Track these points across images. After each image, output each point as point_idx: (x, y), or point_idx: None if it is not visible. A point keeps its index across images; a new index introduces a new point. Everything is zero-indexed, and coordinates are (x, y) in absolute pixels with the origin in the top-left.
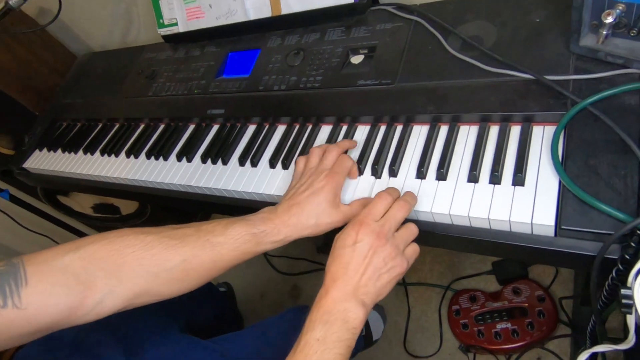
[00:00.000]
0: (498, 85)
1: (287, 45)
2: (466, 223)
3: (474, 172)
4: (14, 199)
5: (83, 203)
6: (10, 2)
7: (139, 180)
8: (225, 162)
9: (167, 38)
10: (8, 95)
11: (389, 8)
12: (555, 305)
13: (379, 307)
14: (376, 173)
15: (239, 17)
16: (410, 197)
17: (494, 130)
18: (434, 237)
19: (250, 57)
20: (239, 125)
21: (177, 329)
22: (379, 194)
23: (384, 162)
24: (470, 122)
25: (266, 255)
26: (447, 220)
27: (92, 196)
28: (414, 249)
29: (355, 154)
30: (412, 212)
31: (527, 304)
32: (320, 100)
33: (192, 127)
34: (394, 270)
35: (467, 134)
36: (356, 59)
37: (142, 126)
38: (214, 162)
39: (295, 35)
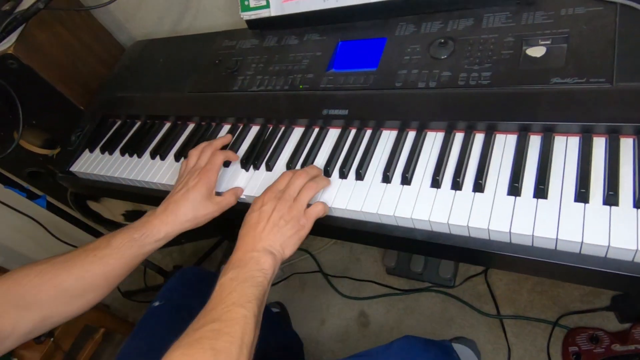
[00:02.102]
0: None
1: (427, 34)
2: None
3: None
4: (50, 207)
5: (114, 210)
6: None
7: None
8: (361, 177)
9: (252, 23)
10: (51, 85)
11: None
12: None
13: (470, 342)
14: (616, 201)
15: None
16: (321, 179)
17: None
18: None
19: (373, 48)
20: (368, 130)
21: None
22: (283, 173)
23: (618, 187)
24: None
25: (326, 275)
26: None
27: (125, 202)
28: (316, 207)
29: (563, 173)
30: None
31: None
32: (494, 102)
33: (298, 130)
34: (294, 225)
35: None
36: (535, 51)
37: (226, 127)
38: (344, 176)
39: (437, 22)
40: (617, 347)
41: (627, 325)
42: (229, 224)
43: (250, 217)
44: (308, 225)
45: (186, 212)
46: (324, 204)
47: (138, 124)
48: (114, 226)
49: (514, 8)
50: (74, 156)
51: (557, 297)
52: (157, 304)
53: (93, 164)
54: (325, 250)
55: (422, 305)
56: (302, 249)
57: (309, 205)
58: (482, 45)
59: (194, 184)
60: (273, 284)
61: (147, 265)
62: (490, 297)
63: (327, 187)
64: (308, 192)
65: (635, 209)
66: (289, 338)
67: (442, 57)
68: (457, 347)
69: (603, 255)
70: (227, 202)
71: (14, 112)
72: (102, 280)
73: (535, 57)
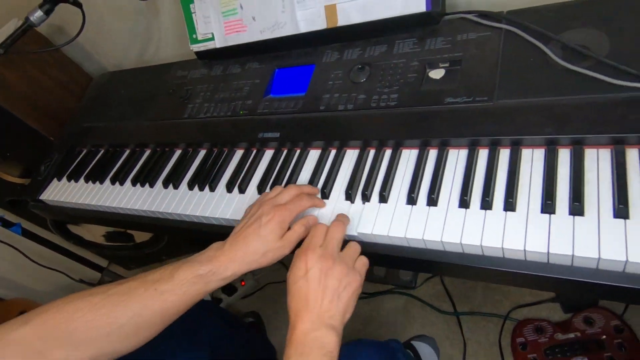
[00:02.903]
0: (635, 101)
1: (348, 60)
2: (619, 268)
3: (622, 207)
4: (25, 233)
5: (94, 231)
6: (31, 19)
7: (182, 214)
8: None
9: (200, 54)
10: (20, 120)
11: (470, 16)
12: (635, 336)
13: (429, 340)
14: (488, 206)
15: (288, 30)
16: (342, 216)
17: (633, 155)
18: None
19: (303, 74)
20: (297, 150)
21: None
22: (315, 225)
23: (492, 192)
24: (597, 144)
25: None
26: (592, 265)
27: None
28: (362, 262)
29: (452, 182)
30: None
31: (604, 336)
32: (399, 121)
33: (239, 152)
34: (351, 287)
35: (597, 159)
36: (436, 74)
37: (178, 152)
38: None
39: (357, 49)
40: (559, 336)
41: (569, 315)
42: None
43: (298, 287)
44: (362, 282)
45: (256, 250)
46: (365, 257)
47: (101, 152)
48: (97, 248)
49: (420, 34)
50: (43, 185)
51: (509, 292)
52: None
53: (60, 192)
54: None
55: (387, 307)
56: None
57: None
58: (393, 69)
59: (267, 220)
60: (248, 295)
61: None
62: (447, 296)
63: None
64: (354, 249)
65: (504, 212)
66: (262, 347)
67: (360, 81)
68: (417, 344)
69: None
70: (297, 236)
71: None
72: (160, 319)
73: (435, 79)
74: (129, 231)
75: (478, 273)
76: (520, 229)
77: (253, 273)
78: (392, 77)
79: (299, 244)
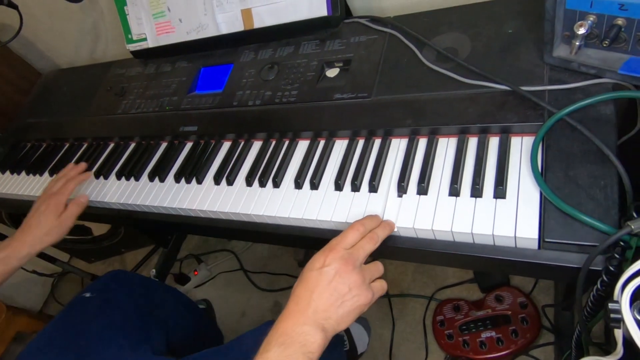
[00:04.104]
0: (475, 97)
1: (261, 60)
2: (449, 238)
3: (455, 186)
4: None
5: None
6: None
7: (110, 202)
8: (199, 181)
9: (136, 54)
10: None
11: (363, 21)
12: (537, 311)
13: (362, 320)
14: (356, 188)
15: (210, 32)
16: (383, 229)
17: (472, 142)
18: (417, 253)
19: (223, 72)
20: (213, 142)
21: (150, 351)
22: (353, 225)
23: (362, 176)
24: (449, 134)
25: (246, 272)
26: (429, 236)
27: None
28: (381, 285)
29: (333, 169)
30: (405, 230)
31: (510, 312)
32: (297, 115)
33: (164, 145)
34: (358, 299)
35: (447, 147)
36: (332, 73)
37: (111, 145)
38: (188, 181)
39: (269, 49)
40: (474, 313)
41: (484, 294)
42: (161, 233)
43: (308, 277)
44: (370, 303)
45: (41, 232)
46: (385, 282)
47: (44, 146)
48: None
49: (322, 36)
50: None
51: (435, 275)
52: (87, 295)
53: (3, 184)
54: (249, 250)
55: None
56: (228, 250)
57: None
58: (296, 68)
59: (44, 209)
60: (201, 284)
61: (84, 275)
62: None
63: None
64: (377, 268)
65: (368, 193)
66: (212, 333)
67: (269, 79)
68: (350, 324)
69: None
70: (72, 213)
71: None
72: None
73: (330, 77)
74: (86, 224)
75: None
76: (379, 208)
77: (206, 263)
78: (295, 75)
79: None
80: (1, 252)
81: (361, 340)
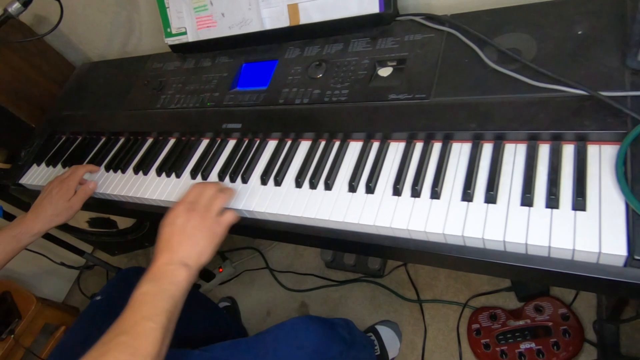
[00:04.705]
0: (546, 101)
1: (308, 57)
2: (522, 250)
3: (528, 195)
4: (6, 215)
5: (78, 217)
6: (10, 10)
7: (149, 198)
8: (245, 181)
9: (174, 48)
10: (3, 107)
11: (418, 18)
12: (580, 323)
13: (393, 324)
14: (416, 194)
15: (254, 27)
16: (217, 183)
17: (544, 150)
18: (483, 264)
19: (267, 69)
20: (257, 140)
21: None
22: (192, 185)
23: (422, 181)
24: (517, 140)
25: (272, 271)
26: (499, 247)
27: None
28: (227, 215)
29: (391, 173)
30: (473, 240)
31: (551, 323)
32: (348, 115)
33: (205, 142)
34: (209, 235)
35: (514, 153)
36: (384, 72)
37: (150, 140)
38: (233, 179)
39: (316, 46)
40: (512, 323)
41: (523, 304)
42: None
43: (164, 231)
44: (221, 232)
45: (52, 212)
46: (233, 211)
47: (79, 139)
48: (80, 233)
49: (373, 34)
50: (23, 170)
51: (469, 281)
52: (98, 298)
53: (39, 176)
54: (273, 249)
55: (355, 294)
56: (253, 248)
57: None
58: (346, 66)
59: (56, 192)
60: (226, 281)
61: (109, 269)
62: (412, 285)
63: (233, 196)
64: (219, 201)
65: (430, 200)
66: (236, 329)
67: (317, 77)
68: (380, 328)
69: (424, 238)
70: (81, 197)
71: None
72: None
73: (383, 77)
74: (112, 218)
75: (408, 255)
76: (441, 215)
77: (231, 261)
78: (345, 73)
79: None
80: (15, 229)
81: (392, 346)
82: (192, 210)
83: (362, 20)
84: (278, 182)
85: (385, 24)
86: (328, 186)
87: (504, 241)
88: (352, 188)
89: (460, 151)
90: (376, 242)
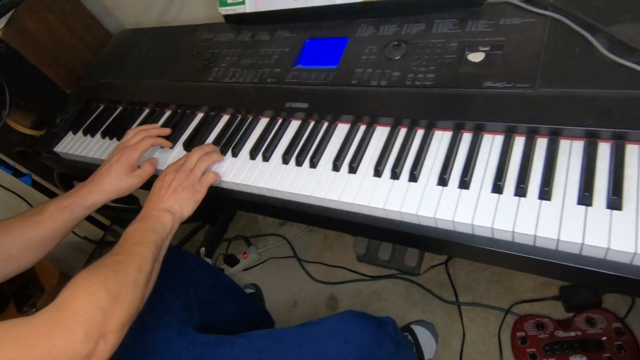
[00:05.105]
0: None
1: (384, 36)
2: None
3: None
4: (34, 184)
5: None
6: None
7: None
8: (314, 165)
9: (229, 18)
10: (38, 69)
11: (516, 1)
12: (636, 340)
13: (429, 325)
14: (522, 193)
15: (322, 0)
16: (207, 147)
17: None
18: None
19: (336, 46)
20: (324, 122)
21: (194, 329)
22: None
23: (528, 179)
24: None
25: (300, 260)
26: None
27: None
28: (209, 176)
29: (486, 167)
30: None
31: (604, 337)
32: (434, 102)
33: (264, 120)
34: (190, 189)
35: (639, 155)
36: (475, 57)
37: (200, 115)
38: (299, 163)
39: (392, 25)
40: (560, 334)
41: (571, 314)
42: (209, 209)
43: (155, 186)
44: (202, 190)
45: (110, 182)
46: (215, 173)
47: (119, 109)
48: (101, 208)
49: (461, 16)
50: (58, 137)
51: (512, 286)
52: None
53: (75, 145)
54: (301, 237)
55: (388, 291)
56: (279, 235)
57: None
58: (430, 49)
59: (116, 160)
60: (250, 268)
61: None
62: (450, 285)
63: (219, 160)
64: (201, 164)
65: (539, 200)
66: (262, 317)
67: (395, 58)
68: (416, 328)
69: (510, 239)
70: (147, 172)
71: (1, 93)
72: (39, 243)
73: (474, 62)
74: (134, 193)
75: (503, 259)
76: (555, 218)
77: (256, 247)
78: (430, 56)
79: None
80: (67, 199)
81: (428, 347)
82: (178, 170)
83: (449, 0)
84: (353, 169)
85: (476, 5)
86: (414, 177)
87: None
88: (443, 181)
89: (570, 149)
90: (470, 244)
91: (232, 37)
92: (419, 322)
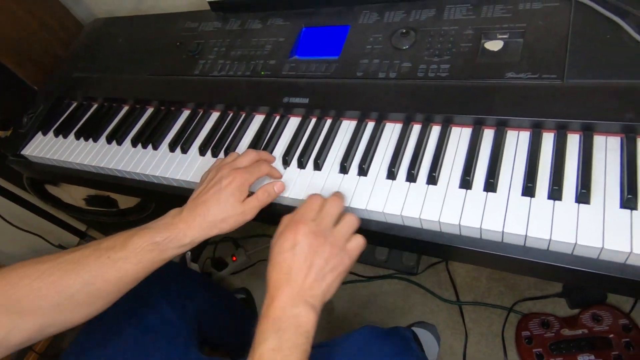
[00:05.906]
0: None
1: (390, 23)
2: None
3: None
4: (1, 191)
5: (74, 194)
6: None
7: (191, 182)
8: (318, 167)
9: (215, 5)
10: (1, 64)
11: None
12: None
13: (431, 327)
14: (558, 196)
15: None
16: (339, 194)
17: None
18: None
19: (336, 35)
20: (328, 119)
21: (197, 349)
22: (311, 195)
23: (562, 181)
24: None
25: None
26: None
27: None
28: (357, 242)
29: (512, 167)
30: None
31: (611, 334)
32: (451, 95)
33: (259, 117)
34: (337, 269)
35: None
36: (493, 45)
37: (186, 112)
38: (302, 165)
39: (399, 11)
40: (566, 332)
41: (576, 311)
42: None
43: (282, 259)
44: (350, 265)
45: (216, 214)
46: (362, 237)
47: (95, 106)
48: (75, 212)
49: (475, 0)
50: (26, 139)
51: (514, 284)
52: None
53: (46, 148)
54: None
55: (385, 291)
56: (270, 236)
57: None
58: (443, 37)
59: (227, 183)
60: (239, 271)
61: None
62: (450, 284)
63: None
64: (348, 226)
65: (576, 204)
66: (254, 323)
67: (404, 48)
68: (418, 331)
69: (545, 247)
70: (260, 202)
71: None
72: (114, 288)
73: (493, 51)
74: (112, 196)
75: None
76: (598, 225)
77: (245, 249)
78: (443, 45)
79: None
80: (160, 232)
81: (430, 350)
82: (317, 234)
83: None
84: (364, 172)
85: None
86: (433, 180)
87: None
88: (467, 184)
89: (605, 145)
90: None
91: (219, 26)
92: (421, 324)
